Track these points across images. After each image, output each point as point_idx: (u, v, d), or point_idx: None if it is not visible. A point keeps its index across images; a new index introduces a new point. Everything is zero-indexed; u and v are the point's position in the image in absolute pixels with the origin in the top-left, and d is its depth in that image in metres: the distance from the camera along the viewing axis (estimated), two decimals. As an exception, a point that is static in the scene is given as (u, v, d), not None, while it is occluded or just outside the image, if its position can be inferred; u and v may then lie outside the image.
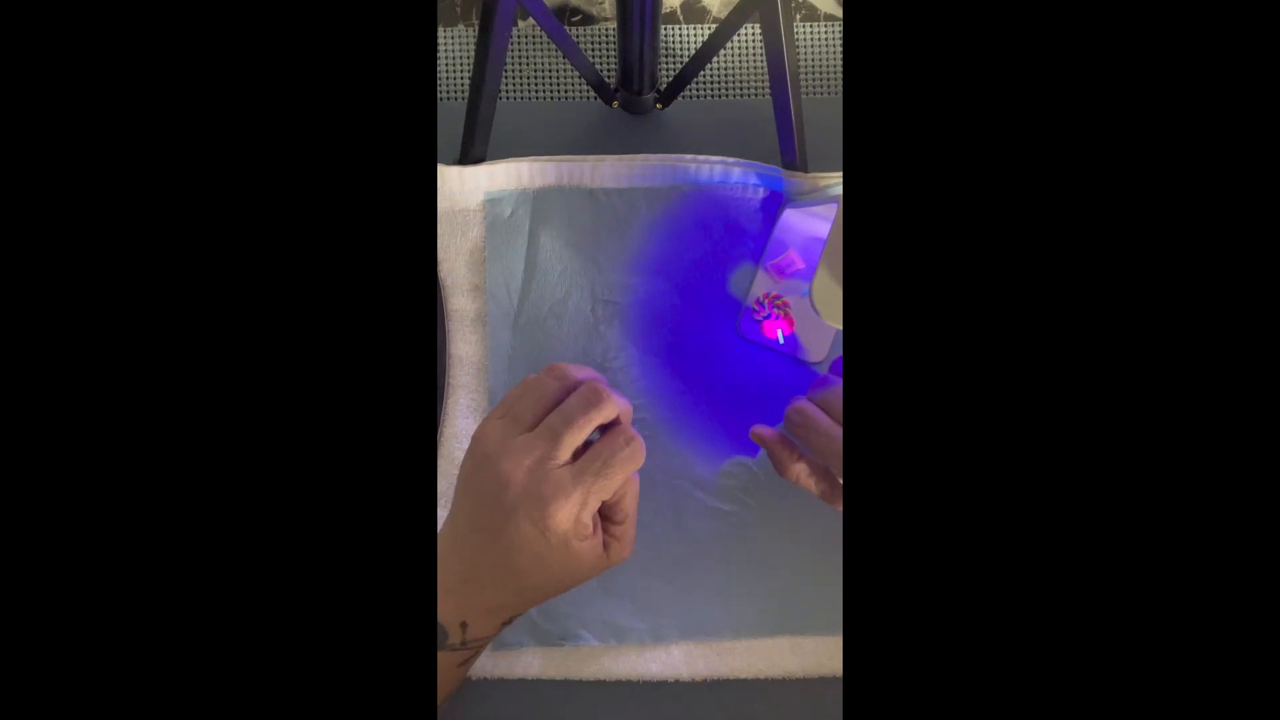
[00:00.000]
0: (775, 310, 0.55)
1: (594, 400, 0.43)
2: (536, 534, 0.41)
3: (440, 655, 0.44)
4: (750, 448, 0.55)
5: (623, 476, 0.43)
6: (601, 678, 0.52)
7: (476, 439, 0.44)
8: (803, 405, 0.47)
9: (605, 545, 0.44)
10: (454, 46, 0.62)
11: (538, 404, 0.44)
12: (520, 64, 0.62)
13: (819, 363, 0.55)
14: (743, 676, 0.53)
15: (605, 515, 0.45)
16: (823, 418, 0.46)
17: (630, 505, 0.45)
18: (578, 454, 0.43)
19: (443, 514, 0.56)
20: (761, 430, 0.49)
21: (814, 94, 0.62)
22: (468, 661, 0.47)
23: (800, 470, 0.47)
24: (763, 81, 0.62)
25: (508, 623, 0.47)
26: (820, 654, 0.53)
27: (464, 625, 0.44)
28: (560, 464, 0.42)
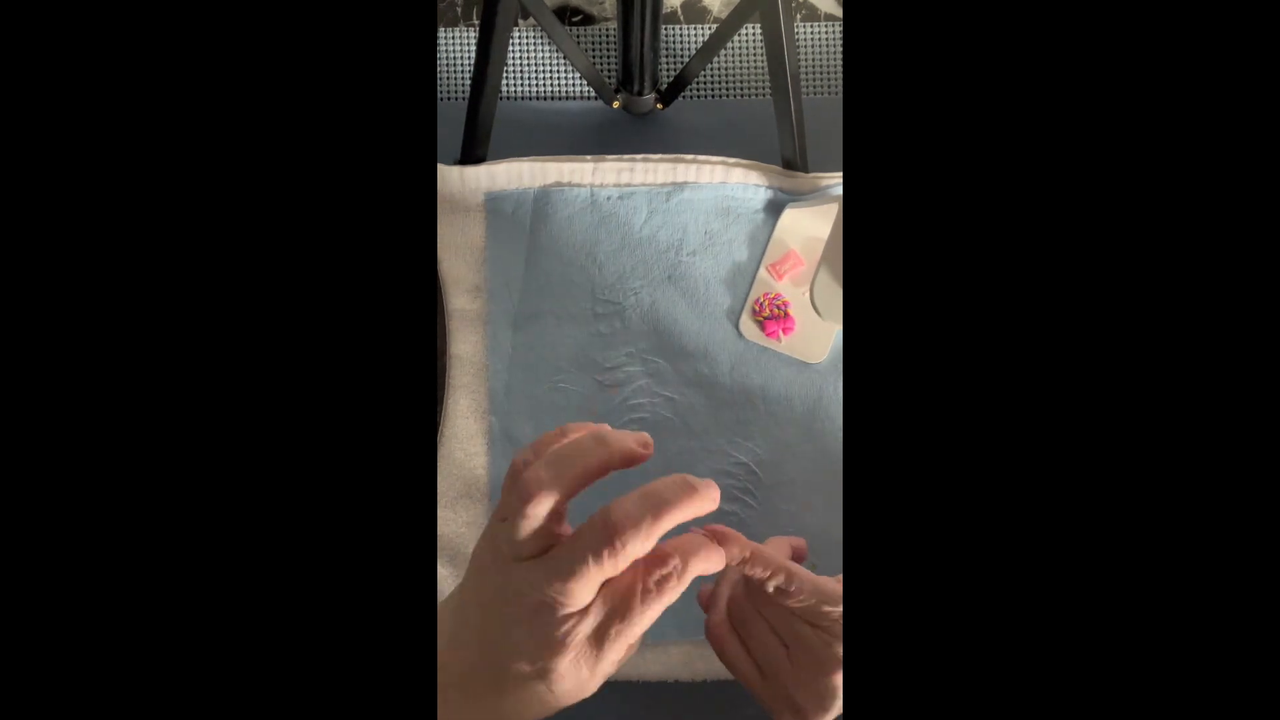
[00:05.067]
0: (775, 310, 0.55)
1: (612, 531, 0.32)
2: (545, 691, 0.33)
3: None
4: (752, 447, 0.55)
5: (651, 620, 0.33)
6: (601, 678, 0.52)
7: (476, 553, 0.36)
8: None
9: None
10: (454, 46, 0.62)
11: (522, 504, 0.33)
12: (520, 64, 0.62)
13: (818, 363, 0.55)
14: (743, 676, 0.52)
15: None
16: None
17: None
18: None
19: (443, 515, 0.55)
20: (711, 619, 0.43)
21: (814, 94, 0.62)
22: None
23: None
24: (763, 81, 0.62)
25: None
26: (820, 654, 0.53)
27: None
28: (571, 612, 0.32)
